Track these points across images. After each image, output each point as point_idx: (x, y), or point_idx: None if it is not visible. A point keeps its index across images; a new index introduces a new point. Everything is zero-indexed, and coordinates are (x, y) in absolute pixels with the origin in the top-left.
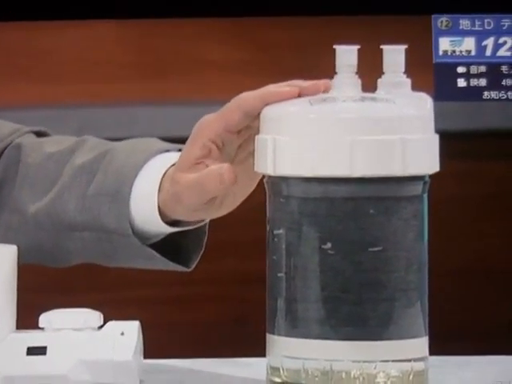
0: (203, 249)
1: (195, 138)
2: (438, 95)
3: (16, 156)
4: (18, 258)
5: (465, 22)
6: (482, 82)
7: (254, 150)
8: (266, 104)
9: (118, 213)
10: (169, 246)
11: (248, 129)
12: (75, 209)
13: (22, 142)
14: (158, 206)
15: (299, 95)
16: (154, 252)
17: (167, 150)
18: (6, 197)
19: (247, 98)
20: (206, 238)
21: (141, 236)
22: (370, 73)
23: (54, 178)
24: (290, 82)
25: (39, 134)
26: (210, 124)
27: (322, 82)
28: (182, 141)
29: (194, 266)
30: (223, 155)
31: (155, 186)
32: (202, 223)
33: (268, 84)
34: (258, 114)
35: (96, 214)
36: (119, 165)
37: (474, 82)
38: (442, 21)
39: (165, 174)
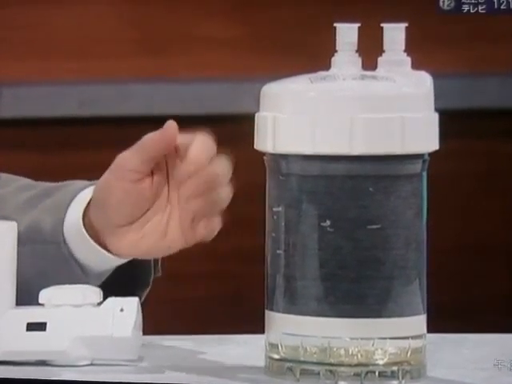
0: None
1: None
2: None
3: None
4: None
5: None
6: None
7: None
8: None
9: (54, 218)
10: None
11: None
12: (24, 225)
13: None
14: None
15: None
16: (79, 269)
17: None
18: None
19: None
20: (151, 276)
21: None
22: (370, 51)
23: (15, 203)
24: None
25: None
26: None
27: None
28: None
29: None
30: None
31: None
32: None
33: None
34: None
35: (38, 225)
36: (73, 187)
37: None
38: (443, 0)
39: None
